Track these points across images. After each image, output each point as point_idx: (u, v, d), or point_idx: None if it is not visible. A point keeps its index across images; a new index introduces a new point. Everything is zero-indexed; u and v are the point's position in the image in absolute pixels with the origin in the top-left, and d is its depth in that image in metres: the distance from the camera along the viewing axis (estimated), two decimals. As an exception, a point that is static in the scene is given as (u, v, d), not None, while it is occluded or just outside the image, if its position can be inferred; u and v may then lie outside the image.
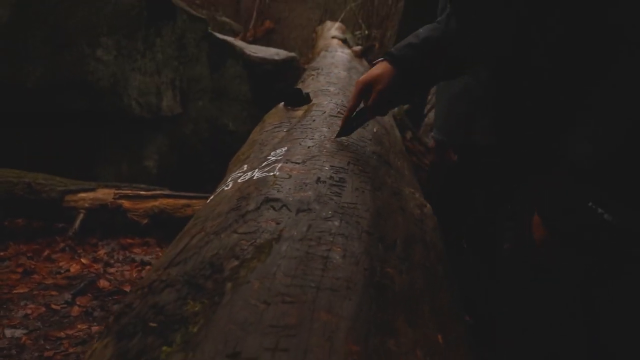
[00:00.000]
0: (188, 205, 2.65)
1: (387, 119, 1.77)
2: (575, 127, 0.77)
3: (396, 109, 1.69)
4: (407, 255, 0.86)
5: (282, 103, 1.66)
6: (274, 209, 0.87)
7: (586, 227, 0.74)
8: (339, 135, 1.21)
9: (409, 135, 2.74)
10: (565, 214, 0.76)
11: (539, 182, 0.84)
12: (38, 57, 2.85)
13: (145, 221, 2.59)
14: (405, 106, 2.81)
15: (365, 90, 1.14)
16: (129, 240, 2.56)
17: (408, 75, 1.12)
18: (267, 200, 0.89)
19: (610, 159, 0.73)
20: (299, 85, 2.30)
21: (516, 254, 0.93)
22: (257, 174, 1.01)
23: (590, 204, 0.73)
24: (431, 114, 5.54)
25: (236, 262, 0.71)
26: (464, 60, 1.13)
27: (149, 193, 2.70)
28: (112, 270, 2.26)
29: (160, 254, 2.46)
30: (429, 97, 4.74)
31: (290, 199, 0.90)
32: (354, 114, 1.19)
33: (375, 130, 1.44)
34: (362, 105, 1.20)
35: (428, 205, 1.10)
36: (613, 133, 0.73)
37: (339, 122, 1.25)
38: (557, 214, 0.78)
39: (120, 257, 2.39)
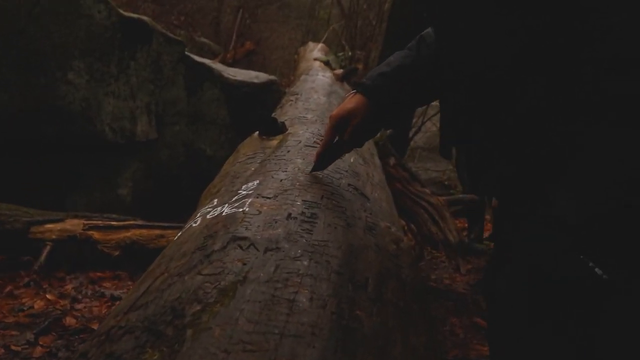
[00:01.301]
0: (162, 236, 2.63)
1: (367, 147, 1.79)
2: (561, 179, 0.76)
3: (378, 134, 1.72)
4: (379, 294, 0.87)
5: (257, 132, 1.67)
6: (241, 248, 0.87)
7: (577, 279, 0.73)
8: (314, 170, 1.23)
9: (392, 161, 2.76)
10: (555, 266, 0.75)
11: (527, 230, 0.83)
12: (6, 82, 2.84)
13: (117, 253, 2.56)
14: (388, 131, 2.84)
15: (339, 125, 1.16)
16: (99, 274, 2.52)
17: (382, 106, 1.14)
18: (235, 238, 0.90)
19: (594, 218, 0.72)
20: (277, 111, 2.32)
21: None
22: (226, 209, 1.01)
23: (581, 257, 0.72)
24: (417, 138, 5.56)
25: (198, 307, 0.71)
26: (438, 86, 1.15)
27: (121, 223, 2.68)
28: (79, 306, 2.22)
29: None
30: (414, 121, 4.81)
31: (259, 237, 0.90)
32: (329, 148, 1.21)
33: (352, 160, 1.46)
34: (337, 138, 1.22)
35: (405, 239, 1.11)
36: (598, 192, 0.72)
37: (315, 153, 1.26)
38: (547, 265, 0.77)
39: (89, 292, 2.35)
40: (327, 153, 1.22)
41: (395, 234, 1.12)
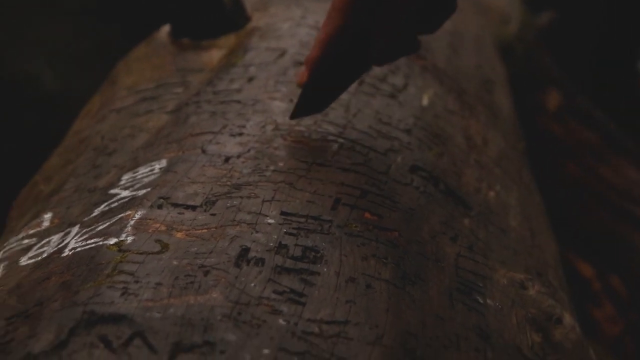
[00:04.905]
0: None
1: (472, 63, 0.95)
2: None
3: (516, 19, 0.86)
4: None
5: (168, 28, 0.86)
6: (107, 345, 0.38)
7: None
8: (300, 110, 0.59)
9: (553, 100, 1.33)
10: None
11: None
12: None
13: None
14: (547, 16, 1.39)
15: None
16: None
17: None
18: (91, 320, 0.39)
19: None
20: None
21: None
22: (73, 240, 0.45)
23: None
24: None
25: None
26: None
27: None
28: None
29: None
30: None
31: (157, 315, 0.38)
32: (338, 49, 0.54)
33: (425, 101, 0.74)
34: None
35: (567, 315, 0.51)
36: None
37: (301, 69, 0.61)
38: None
39: None
40: (333, 62, 0.55)
41: (545, 302, 0.52)
